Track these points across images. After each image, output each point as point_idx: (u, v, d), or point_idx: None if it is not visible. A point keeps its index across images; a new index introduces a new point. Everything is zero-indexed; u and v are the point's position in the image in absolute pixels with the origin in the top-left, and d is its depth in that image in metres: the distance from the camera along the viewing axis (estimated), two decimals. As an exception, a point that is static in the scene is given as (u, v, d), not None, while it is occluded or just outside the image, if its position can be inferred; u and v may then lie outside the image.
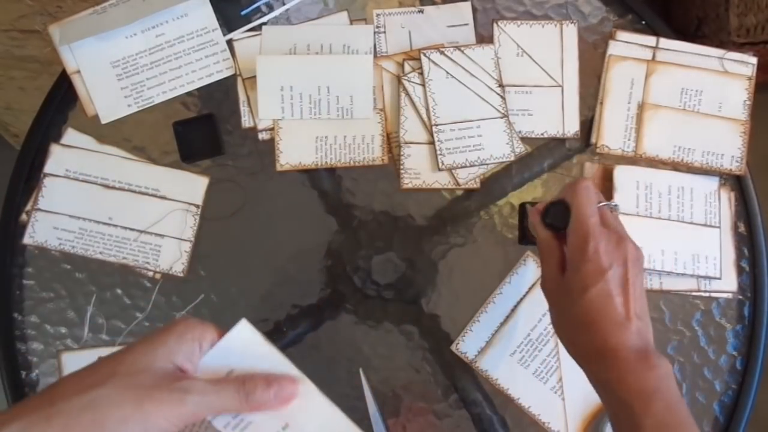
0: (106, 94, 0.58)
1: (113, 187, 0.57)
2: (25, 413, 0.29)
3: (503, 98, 0.57)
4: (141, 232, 0.56)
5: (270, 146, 0.57)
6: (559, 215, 0.43)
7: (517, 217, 0.57)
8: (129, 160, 0.58)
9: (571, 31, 0.58)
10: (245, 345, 0.36)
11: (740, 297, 0.57)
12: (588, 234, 0.40)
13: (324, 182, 0.57)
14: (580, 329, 0.40)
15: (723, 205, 0.57)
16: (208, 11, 0.58)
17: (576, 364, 0.41)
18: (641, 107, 0.57)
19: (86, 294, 0.56)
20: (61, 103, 0.58)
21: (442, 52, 0.57)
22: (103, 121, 0.58)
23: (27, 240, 0.56)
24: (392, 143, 0.57)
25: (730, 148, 0.57)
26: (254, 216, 0.57)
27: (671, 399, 0.36)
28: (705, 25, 1.03)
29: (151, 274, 0.56)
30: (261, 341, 0.36)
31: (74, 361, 0.55)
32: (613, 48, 0.58)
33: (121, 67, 0.58)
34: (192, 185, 0.57)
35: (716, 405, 0.56)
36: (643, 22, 0.60)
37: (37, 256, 0.57)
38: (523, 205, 0.55)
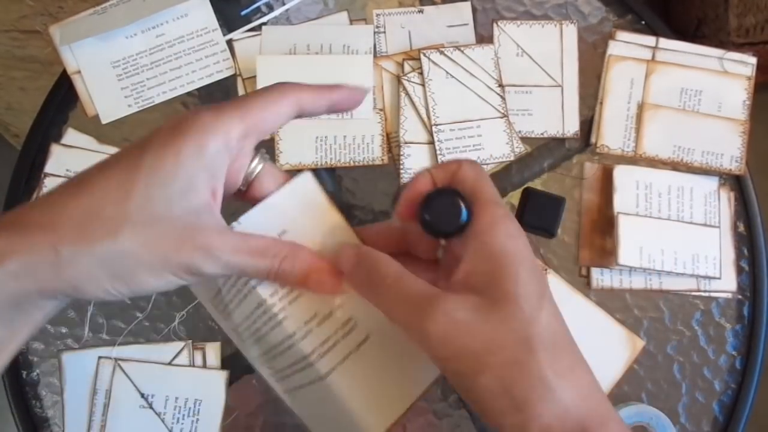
0: (106, 94, 0.58)
1: (114, 187, 0.57)
2: (25, 249, 0.25)
3: (503, 98, 0.57)
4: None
5: (270, 146, 0.57)
6: (448, 212, 0.29)
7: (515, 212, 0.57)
8: (129, 160, 0.58)
9: (571, 31, 0.58)
10: (305, 202, 0.31)
11: (740, 297, 0.57)
12: (513, 258, 0.27)
13: (324, 182, 0.58)
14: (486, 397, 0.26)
15: (722, 204, 0.57)
16: (208, 11, 0.58)
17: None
18: (641, 107, 0.57)
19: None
20: (61, 103, 0.58)
21: (442, 52, 0.57)
22: (104, 121, 0.58)
23: (27, 240, 0.56)
24: (392, 143, 0.57)
25: (729, 148, 0.57)
26: (254, 216, 0.57)
27: None
28: (704, 25, 1.03)
29: (151, 273, 0.56)
30: (324, 201, 0.31)
31: (75, 360, 0.55)
32: (613, 48, 0.58)
33: (121, 67, 0.58)
34: (192, 185, 0.57)
35: (716, 404, 0.56)
36: (643, 22, 0.60)
37: (37, 256, 0.57)
38: (527, 190, 0.54)
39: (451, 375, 0.27)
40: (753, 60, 0.57)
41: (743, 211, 0.58)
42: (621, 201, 0.55)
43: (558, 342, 0.27)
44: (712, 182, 0.57)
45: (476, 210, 0.28)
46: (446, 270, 0.30)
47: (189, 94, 0.58)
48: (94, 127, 0.58)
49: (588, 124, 0.58)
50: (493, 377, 0.25)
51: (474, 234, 0.28)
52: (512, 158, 0.57)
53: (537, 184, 0.58)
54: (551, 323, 0.27)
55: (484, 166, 0.56)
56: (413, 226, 0.30)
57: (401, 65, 0.57)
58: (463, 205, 0.29)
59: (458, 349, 0.26)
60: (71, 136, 0.58)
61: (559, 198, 0.54)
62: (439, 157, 0.56)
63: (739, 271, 0.57)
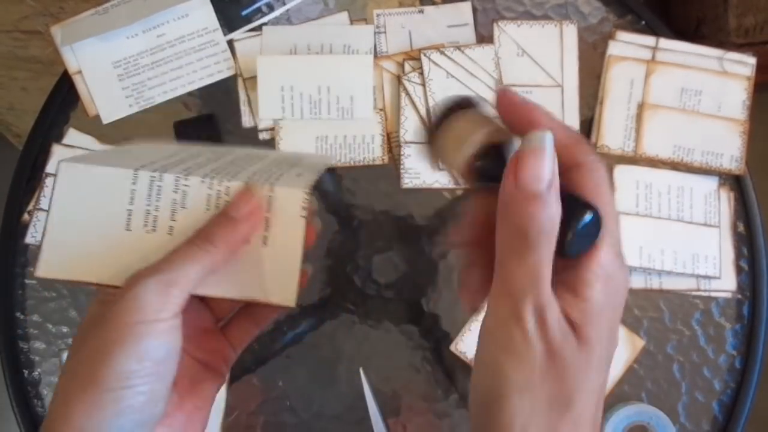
0: (107, 95, 0.58)
1: (114, 187, 0.57)
2: None
3: (503, 98, 0.57)
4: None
5: (270, 146, 0.57)
6: (584, 233, 0.24)
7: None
8: (130, 160, 0.58)
9: (571, 31, 0.58)
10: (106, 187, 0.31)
11: (739, 296, 0.57)
12: (609, 262, 0.25)
13: (324, 182, 0.58)
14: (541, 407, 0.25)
15: (722, 204, 0.57)
16: (209, 11, 0.58)
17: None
18: (641, 107, 0.57)
19: (88, 293, 0.57)
20: (62, 104, 0.59)
21: (442, 52, 0.57)
22: (105, 121, 0.58)
23: (29, 239, 0.57)
24: (392, 143, 0.57)
25: (729, 148, 0.57)
26: (255, 216, 0.57)
27: None
28: (704, 25, 1.03)
29: (152, 273, 0.57)
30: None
31: (76, 360, 0.55)
32: (613, 48, 0.58)
33: (122, 67, 0.58)
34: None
35: (715, 404, 0.56)
36: (643, 23, 0.60)
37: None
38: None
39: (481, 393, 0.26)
40: (753, 60, 0.58)
41: (743, 211, 0.58)
42: (621, 201, 0.56)
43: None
44: (712, 182, 0.57)
45: (609, 239, 0.25)
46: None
47: (190, 94, 0.58)
48: (95, 127, 0.58)
49: (588, 124, 0.58)
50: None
51: (584, 274, 0.25)
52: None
53: (537, 184, 0.58)
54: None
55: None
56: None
57: (401, 65, 0.57)
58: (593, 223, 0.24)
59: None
60: (72, 136, 0.58)
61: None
62: (439, 157, 0.56)
63: (739, 270, 0.57)
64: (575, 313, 0.25)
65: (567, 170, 0.26)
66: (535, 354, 0.25)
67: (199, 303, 0.35)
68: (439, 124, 0.29)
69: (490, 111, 0.29)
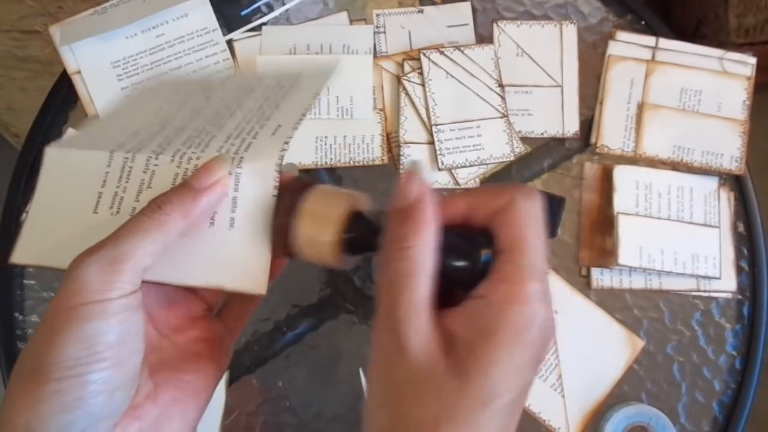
0: (106, 95, 0.58)
1: (114, 187, 0.57)
2: None
3: (503, 98, 0.57)
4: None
5: (270, 146, 0.57)
6: (465, 257, 0.26)
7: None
8: (129, 160, 0.58)
9: (570, 31, 0.58)
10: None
11: (739, 297, 0.57)
12: (533, 313, 0.24)
13: (324, 182, 0.58)
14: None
15: (722, 205, 0.57)
16: (208, 11, 0.58)
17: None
18: (641, 107, 0.57)
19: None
20: (61, 104, 0.58)
21: (441, 52, 0.57)
22: (104, 121, 0.58)
23: (28, 240, 0.56)
24: (392, 143, 0.57)
25: (729, 148, 0.57)
26: (254, 216, 0.57)
27: None
28: (704, 25, 1.03)
29: (151, 273, 0.56)
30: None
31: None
32: (613, 48, 0.58)
33: (121, 67, 0.58)
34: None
35: (715, 404, 0.56)
36: (643, 23, 0.60)
37: (37, 256, 0.57)
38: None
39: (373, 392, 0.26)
40: (753, 60, 0.57)
41: (743, 211, 0.58)
42: (621, 201, 0.55)
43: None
44: (712, 182, 0.57)
45: (503, 267, 0.25)
46: None
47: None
48: (94, 127, 0.58)
49: (588, 124, 0.58)
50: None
51: (487, 295, 0.24)
52: (512, 158, 0.57)
53: (537, 184, 0.58)
54: None
55: (484, 167, 0.57)
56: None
57: (401, 65, 0.57)
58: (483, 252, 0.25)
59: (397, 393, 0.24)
60: (71, 136, 0.58)
61: (559, 198, 0.54)
62: (438, 157, 0.56)
63: (739, 271, 0.57)
64: (460, 342, 0.24)
65: (492, 217, 0.26)
66: (391, 371, 0.24)
67: (186, 291, 0.33)
68: (289, 212, 0.28)
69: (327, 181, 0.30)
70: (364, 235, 0.27)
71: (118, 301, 0.25)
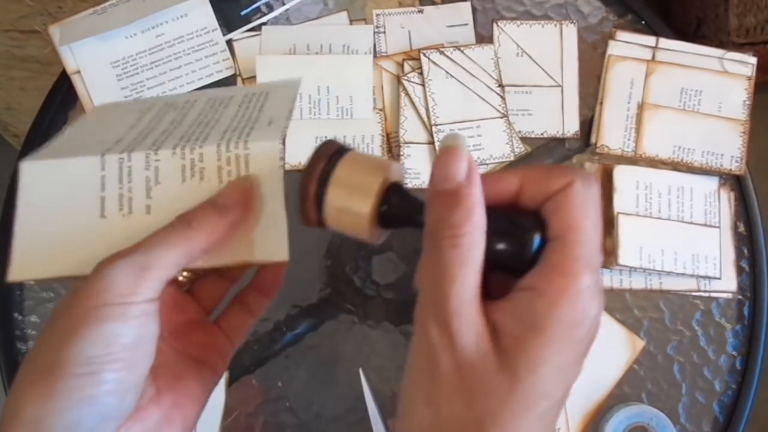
0: (105, 95, 0.58)
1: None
2: None
3: (503, 98, 0.57)
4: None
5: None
6: (515, 242, 0.24)
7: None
8: (129, 160, 0.58)
9: (570, 31, 0.58)
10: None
11: (740, 297, 0.57)
12: (585, 306, 0.23)
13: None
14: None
15: (723, 205, 0.57)
16: (208, 11, 0.58)
17: None
18: (641, 107, 0.57)
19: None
20: (61, 104, 0.58)
21: (441, 52, 0.57)
22: (103, 121, 0.58)
23: (27, 240, 0.56)
24: (392, 143, 0.57)
25: (729, 148, 0.57)
26: (254, 216, 0.57)
27: None
28: (704, 25, 1.03)
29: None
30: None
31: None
32: (613, 48, 0.58)
33: (121, 67, 0.58)
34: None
35: (716, 405, 0.56)
36: (643, 22, 0.60)
37: (37, 256, 0.57)
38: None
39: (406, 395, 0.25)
40: (753, 60, 0.57)
41: (743, 211, 0.57)
42: (621, 201, 0.55)
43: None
44: (712, 182, 0.57)
45: (556, 257, 0.23)
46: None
47: (188, 93, 0.58)
48: (94, 127, 0.58)
49: (588, 124, 0.58)
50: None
51: (538, 287, 0.23)
52: (512, 158, 0.56)
53: (537, 184, 0.57)
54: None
55: (484, 167, 0.56)
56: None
57: (401, 65, 0.57)
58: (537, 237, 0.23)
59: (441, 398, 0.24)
60: (71, 136, 0.58)
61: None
62: (439, 157, 0.56)
63: (740, 271, 0.57)
64: (507, 338, 0.23)
65: (545, 201, 0.24)
66: (438, 367, 0.23)
67: (184, 296, 0.34)
68: (324, 180, 0.26)
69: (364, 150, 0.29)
70: (405, 209, 0.26)
71: (140, 306, 0.26)
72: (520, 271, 0.24)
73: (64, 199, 0.30)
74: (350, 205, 0.26)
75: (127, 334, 0.25)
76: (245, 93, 0.35)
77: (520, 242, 0.24)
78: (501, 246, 0.24)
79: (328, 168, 0.26)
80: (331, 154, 0.27)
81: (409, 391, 0.25)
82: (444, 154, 0.24)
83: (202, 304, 0.34)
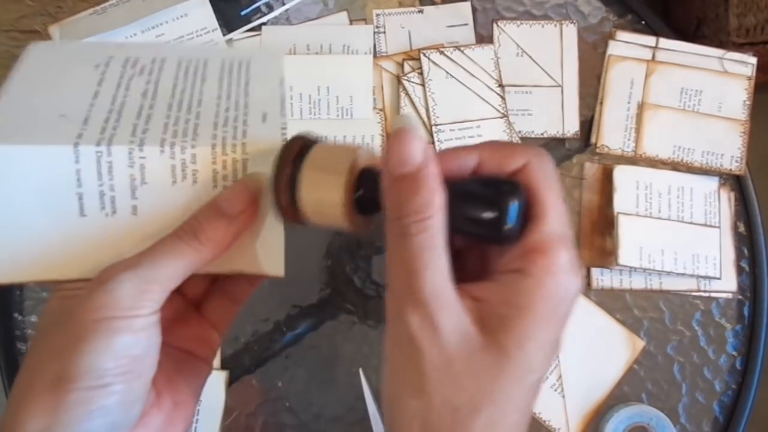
0: (106, 95, 0.57)
1: (113, 187, 0.57)
2: None
3: (503, 98, 0.57)
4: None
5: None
6: (492, 207, 0.23)
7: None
8: (129, 161, 0.58)
9: (570, 31, 0.58)
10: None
11: (740, 297, 0.57)
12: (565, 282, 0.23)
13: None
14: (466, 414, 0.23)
15: (723, 205, 0.57)
16: (208, 11, 0.58)
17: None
18: (641, 107, 0.57)
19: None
20: (61, 104, 0.58)
21: (441, 52, 0.57)
22: (103, 122, 0.58)
23: (27, 240, 0.56)
24: (392, 143, 0.57)
25: (729, 148, 0.57)
26: (254, 216, 0.57)
27: None
28: (704, 25, 1.03)
29: (151, 274, 0.56)
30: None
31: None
32: (613, 48, 0.58)
33: (121, 67, 0.58)
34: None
35: (716, 405, 0.56)
36: (643, 22, 0.60)
37: (37, 256, 0.57)
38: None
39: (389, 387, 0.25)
40: (753, 60, 0.57)
41: (743, 211, 0.57)
42: (621, 201, 0.55)
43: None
44: (712, 182, 0.57)
45: (534, 236, 0.23)
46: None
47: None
48: (94, 127, 0.58)
49: (588, 124, 0.58)
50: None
51: (524, 268, 0.23)
52: (512, 158, 0.56)
53: (537, 184, 0.57)
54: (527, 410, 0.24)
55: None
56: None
57: (401, 65, 0.57)
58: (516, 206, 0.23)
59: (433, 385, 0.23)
60: (71, 136, 0.58)
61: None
62: (439, 157, 0.56)
63: (740, 271, 0.57)
64: (492, 317, 0.23)
65: (512, 175, 0.24)
66: (422, 355, 0.23)
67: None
68: (294, 170, 0.26)
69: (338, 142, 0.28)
70: (373, 192, 0.25)
71: (146, 318, 0.26)
72: (505, 238, 0.23)
73: (36, 194, 0.26)
74: (324, 196, 0.25)
75: (136, 345, 0.25)
76: (222, 60, 0.32)
77: (498, 206, 0.23)
78: (478, 213, 0.23)
79: (294, 166, 0.26)
80: (294, 155, 0.26)
81: (393, 388, 0.25)
82: (397, 137, 0.23)
83: (185, 295, 0.34)
